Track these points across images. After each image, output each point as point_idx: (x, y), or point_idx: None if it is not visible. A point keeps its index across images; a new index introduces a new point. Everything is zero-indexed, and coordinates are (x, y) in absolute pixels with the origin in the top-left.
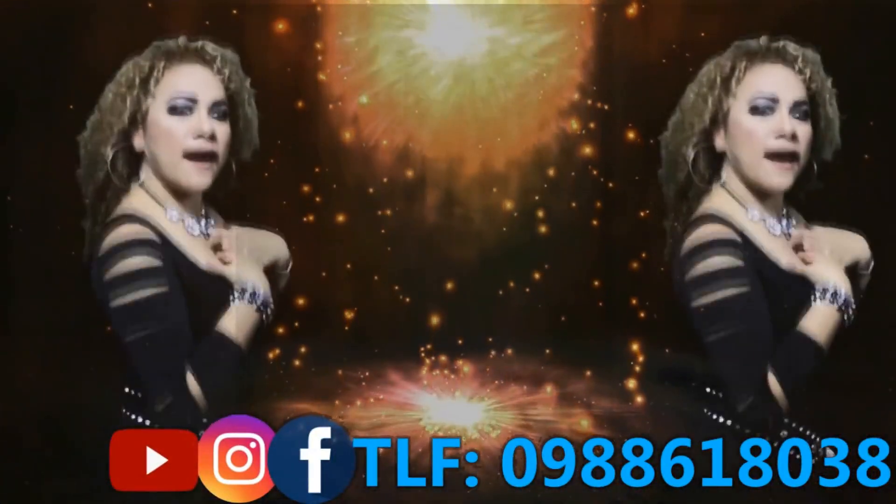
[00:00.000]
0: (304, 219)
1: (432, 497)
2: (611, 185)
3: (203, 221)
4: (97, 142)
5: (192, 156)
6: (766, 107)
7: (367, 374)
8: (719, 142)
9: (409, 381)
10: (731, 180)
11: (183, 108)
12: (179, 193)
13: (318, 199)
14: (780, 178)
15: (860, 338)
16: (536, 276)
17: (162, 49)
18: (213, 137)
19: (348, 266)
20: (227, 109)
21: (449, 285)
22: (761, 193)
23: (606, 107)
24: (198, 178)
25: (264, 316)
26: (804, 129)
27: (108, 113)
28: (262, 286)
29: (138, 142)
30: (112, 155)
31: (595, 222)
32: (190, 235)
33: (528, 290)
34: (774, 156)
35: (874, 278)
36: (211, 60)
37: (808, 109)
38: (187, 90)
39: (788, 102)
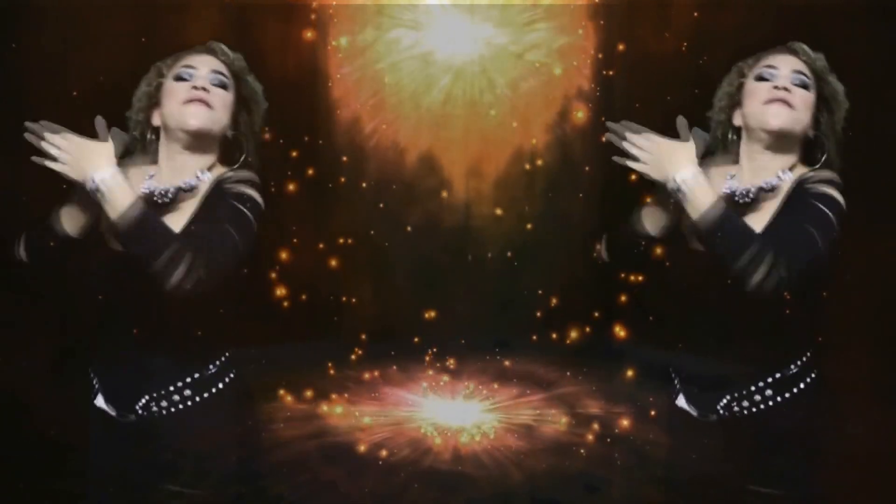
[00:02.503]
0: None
1: (432, 497)
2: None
3: (173, 188)
4: (133, 123)
5: (188, 101)
6: (768, 74)
7: (368, 373)
8: (737, 119)
9: (410, 382)
10: (742, 151)
11: (185, 75)
12: (181, 143)
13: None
14: (773, 115)
15: None
16: (536, 274)
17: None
18: (207, 90)
19: (348, 263)
20: (226, 81)
21: (450, 284)
22: (761, 145)
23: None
24: (194, 119)
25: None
26: (801, 92)
27: (137, 98)
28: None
29: (156, 119)
30: (140, 132)
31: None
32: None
33: (530, 289)
34: (770, 101)
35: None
36: (215, 49)
37: (808, 81)
38: (190, 63)
39: (788, 70)
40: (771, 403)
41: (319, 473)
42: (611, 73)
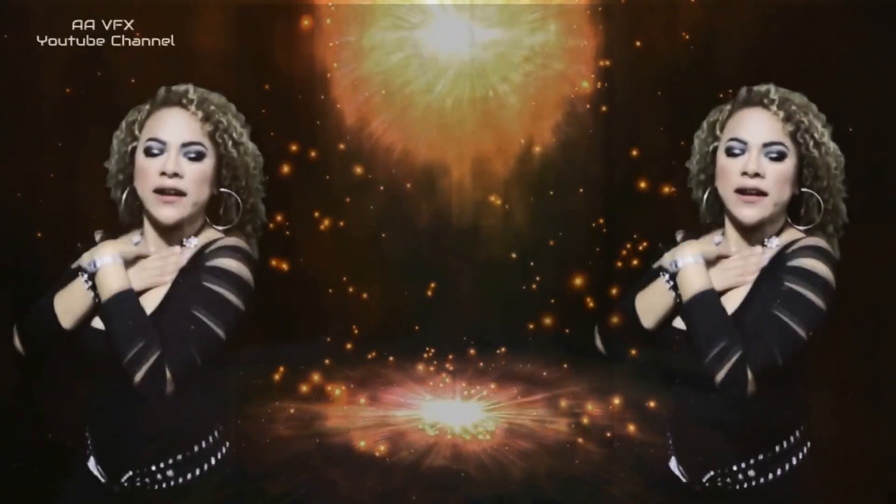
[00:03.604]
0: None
1: (432, 497)
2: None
3: (161, 260)
4: (111, 185)
5: (159, 191)
6: (738, 149)
7: (366, 373)
8: (718, 186)
9: (410, 381)
10: (726, 217)
11: (155, 150)
12: (157, 227)
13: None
14: (746, 210)
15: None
16: (538, 272)
17: (155, 96)
18: (179, 176)
19: (347, 263)
20: (202, 150)
21: (450, 282)
22: (741, 230)
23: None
24: (164, 211)
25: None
26: (775, 168)
27: (113, 156)
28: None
29: (137, 187)
30: (122, 196)
31: (601, 221)
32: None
33: (532, 288)
34: (741, 191)
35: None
36: (188, 103)
37: (784, 150)
38: (159, 134)
39: (758, 144)
40: (754, 483)
41: (319, 473)
42: (610, 65)
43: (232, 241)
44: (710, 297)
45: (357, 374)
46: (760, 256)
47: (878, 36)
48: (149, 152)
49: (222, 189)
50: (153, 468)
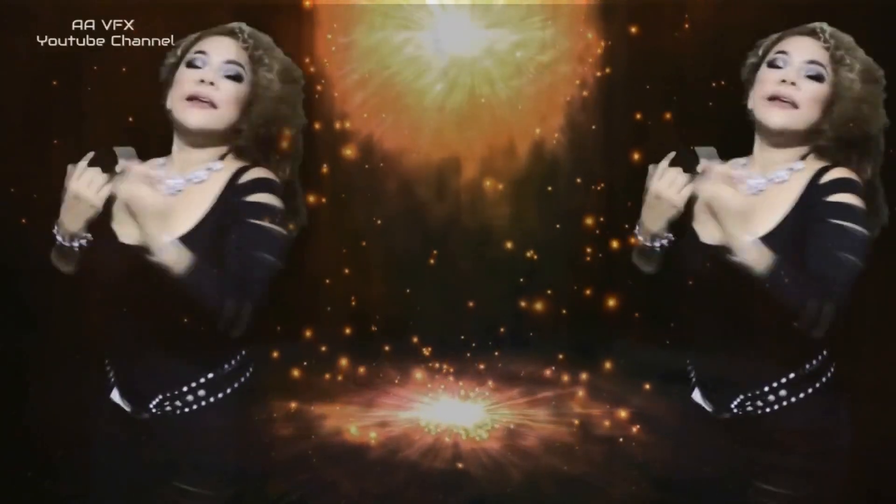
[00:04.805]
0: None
1: (432, 497)
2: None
3: (183, 181)
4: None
5: (191, 97)
6: (780, 61)
7: (367, 373)
8: (749, 101)
9: (409, 381)
10: (755, 137)
11: (197, 62)
12: (184, 140)
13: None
14: (774, 115)
15: None
16: (537, 268)
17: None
18: (214, 85)
19: (349, 262)
20: (241, 71)
21: (451, 282)
22: (766, 148)
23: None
24: (193, 116)
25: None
26: (811, 85)
27: (163, 77)
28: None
29: (168, 101)
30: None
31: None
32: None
33: (534, 288)
34: (773, 97)
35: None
36: (239, 33)
37: (823, 72)
38: (204, 48)
39: (801, 60)
40: (785, 403)
41: (319, 473)
42: (610, 61)
43: (262, 174)
44: (777, 269)
45: (356, 375)
46: (784, 170)
47: (878, 36)
48: (190, 63)
49: (244, 125)
50: (185, 389)
